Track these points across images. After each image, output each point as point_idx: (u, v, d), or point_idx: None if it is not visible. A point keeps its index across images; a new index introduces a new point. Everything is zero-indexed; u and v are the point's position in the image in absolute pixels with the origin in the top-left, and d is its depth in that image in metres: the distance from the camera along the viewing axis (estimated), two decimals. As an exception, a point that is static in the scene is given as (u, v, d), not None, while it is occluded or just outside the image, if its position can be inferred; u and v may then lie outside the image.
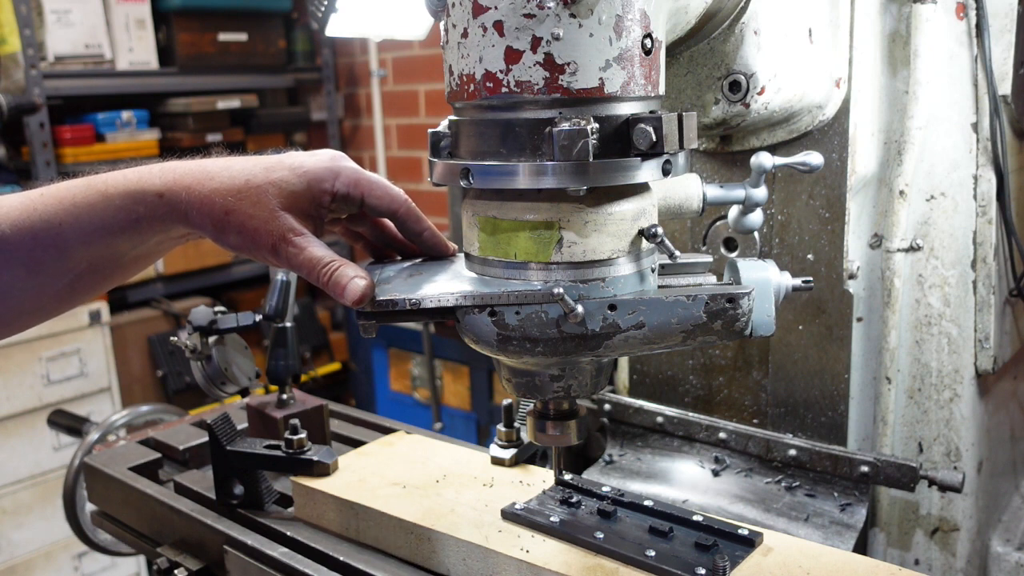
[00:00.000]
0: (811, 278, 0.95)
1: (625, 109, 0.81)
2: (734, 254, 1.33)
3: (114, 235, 0.94)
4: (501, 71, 0.79)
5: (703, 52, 1.10)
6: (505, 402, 1.32)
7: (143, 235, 0.96)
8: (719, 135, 1.26)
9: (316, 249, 0.92)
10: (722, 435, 1.35)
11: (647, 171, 0.81)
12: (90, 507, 1.57)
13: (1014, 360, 1.41)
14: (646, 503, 1.11)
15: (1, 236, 0.91)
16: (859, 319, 1.31)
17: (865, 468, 1.23)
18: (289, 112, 4.53)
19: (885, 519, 1.35)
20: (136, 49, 3.72)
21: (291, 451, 1.24)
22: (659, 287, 0.90)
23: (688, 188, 1.00)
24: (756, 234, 1.30)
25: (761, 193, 1.00)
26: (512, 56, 0.78)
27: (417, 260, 1.04)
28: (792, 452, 1.29)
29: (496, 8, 0.78)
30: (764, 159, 0.97)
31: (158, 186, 0.93)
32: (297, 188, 0.93)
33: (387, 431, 1.49)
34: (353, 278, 0.88)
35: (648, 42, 0.81)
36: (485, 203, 0.86)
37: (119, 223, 0.93)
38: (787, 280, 0.93)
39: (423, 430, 1.45)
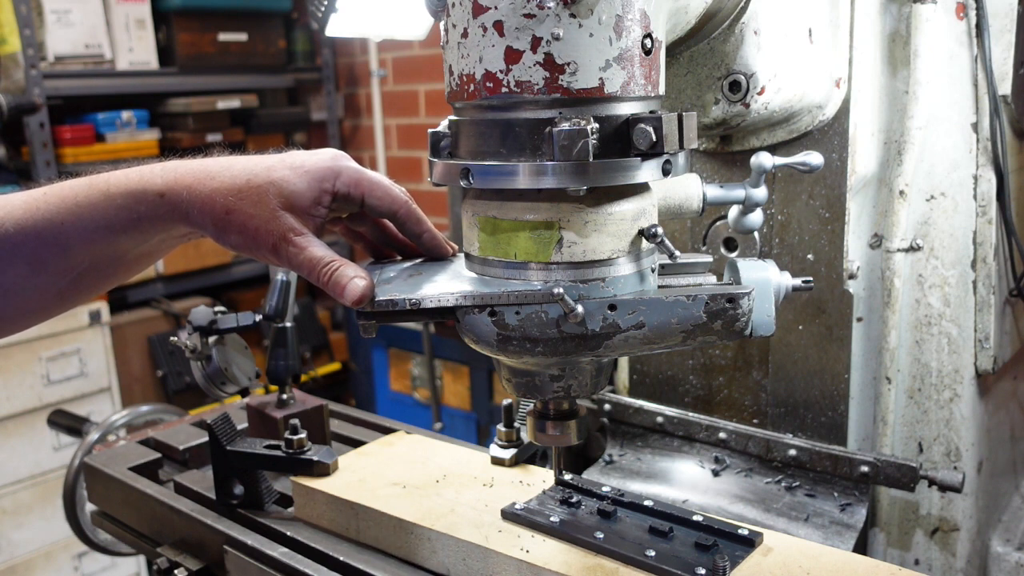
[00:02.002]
0: (811, 278, 0.95)
1: (625, 109, 0.81)
2: (734, 254, 1.33)
3: (116, 234, 0.94)
4: (501, 71, 0.79)
5: (703, 52, 1.10)
6: (505, 402, 1.32)
7: (145, 234, 0.96)
8: (719, 135, 1.26)
9: (316, 249, 0.92)
10: (722, 435, 1.35)
11: (647, 171, 0.81)
12: (90, 507, 1.57)
13: (1014, 360, 1.41)
14: (646, 503, 1.11)
15: (4, 235, 0.92)
16: (859, 319, 1.31)
17: (865, 468, 1.23)
18: (289, 112, 4.53)
19: (885, 519, 1.35)
20: (136, 49, 3.72)
21: (291, 451, 1.24)
22: (659, 287, 0.90)
23: (688, 188, 1.00)
24: (756, 234, 1.30)
25: (761, 193, 1.00)
26: (512, 56, 0.78)
27: (417, 260, 1.04)
28: (792, 452, 1.29)
29: (496, 8, 0.78)
30: (764, 159, 0.97)
31: (159, 186, 0.93)
32: (298, 188, 0.93)
33: (387, 431, 1.49)
34: (353, 278, 0.89)
35: (648, 42, 0.81)
36: (485, 203, 0.86)
37: (121, 222, 0.94)
38: (787, 280, 0.93)
39: (423, 430, 1.45)
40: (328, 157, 0.97)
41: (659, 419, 1.41)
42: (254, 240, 0.93)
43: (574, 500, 1.14)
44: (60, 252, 0.94)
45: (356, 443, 1.46)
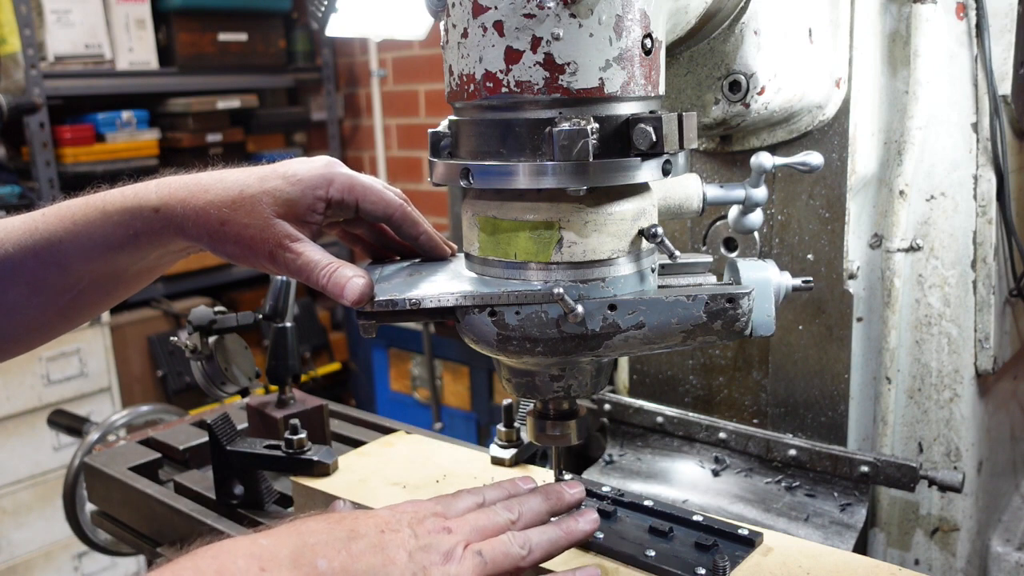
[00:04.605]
0: (811, 278, 0.95)
1: (625, 109, 0.81)
2: (734, 254, 1.33)
3: (114, 251, 0.96)
4: (501, 71, 0.79)
5: (703, 52, 1.10)
6: (505, 402, 1.32)
7: (142, 250, 0.97)
8: (719, 135, 1.26)
9: (313, 253, 0.93)
10: (722, 435, 1.35)
11: (647, 171, 0.81)
12: (90, 507, 1.57)
13: (1014, 360, 1.41)
14: (646, 503, 1.11)
15: (4, 256, 0.94)
16: (859, 319, 1.31)
17: (865, 468, 1.23)
18: (289, 112, 4.53)
19: (885, 519, 1.35)
20: (136, 49, 3.72)
21: (291, 451, 1.24)
22: (659, 287, 0.90)
23: (688, 188, 1.00)
24: (756, 234, 1.30)
25: (761, 193, 1.00)
26: (512, 56, 0.79)
27: (416, 260, 1.04)
28: (792, 452, 1.29)
29: (496, 8, 0.78)
30: (764, 159, 0.97)
31: (154, 201, 0.94)
32: (292, 196, 0.94)
33: (387, 431, 1.49)
34: (352, 278, 0.89)
35: (648, 42, 0.81)
36: (485, 203, 0.86)
37: (118, 239, 0.95)
38: (787, 280, 0.93)
39: (423, 430, 1.45)
40: (321, 164, 0.97)
41: (659, 419, 1.41)
42: (250, 249, 0.93)
43: (574, 500, 1.14)
44: (60, 271, 0.95)
45: (356, 443, 1.46)
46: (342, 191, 0.96)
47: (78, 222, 0.94)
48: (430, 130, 0.90)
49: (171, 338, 1.45)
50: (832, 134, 1.22)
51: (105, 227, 0.94)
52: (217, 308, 1.38)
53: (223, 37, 4.00)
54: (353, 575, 0.74)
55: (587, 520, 0.90)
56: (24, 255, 0.94)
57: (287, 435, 1.25)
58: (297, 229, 0.94)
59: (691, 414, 1.39)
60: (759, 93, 1.09)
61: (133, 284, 1.04)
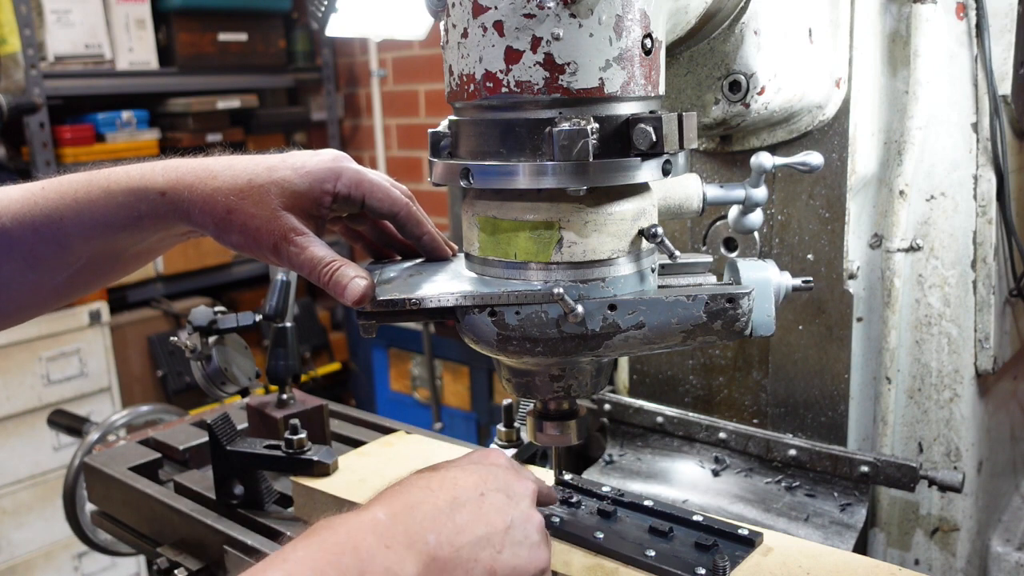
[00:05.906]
0: (811, 278, 0.95)
1: (625, 109, 0.81)
2: (734, 254, 1.33)
3: (115, 231, 0.95)
4: (501, 71, 0.79)
5: (703, 52, 1.10)
6: (505, 402, 1.32)
7: (144, 232, 0.96)
8: (719, 135, 1.26)
9: (317, 249, 0.92)
10: (722, 435, 1.35)
11: (647, 171, 0.81)
12: (90, 507, 1.57)
13: (1014, 360, 1.41)
14: (646, 503, 1.11)
15: (2, 228, 0.92)
16: (859, 319, 1.31)
17: (865, 468, 1.23)
18: (289, 112, 4.53)
19: (885, 519, 1.35)
20: (136, 49, 3.72)
21: (291, 451, 1.24)
22: (659, 287, 0.90)
23: (688, 188, 1.00)
24: (756, 234, 1.30)
25: (761, 193, 1.00)
26: (512, 56, 0.79)
27: (418, 260, 1.04)
28: (792, 452, 1.29)
29: (496, 8, 0.78)
30: (764, 159, 0.97)
31: (161, 184, 0.93)
32: (299, 188, 0.93)
33: (387, 431, 1.49)
34: (354, 278, 0.89)
35: (648, 42, 0.81)
36: (485, 203, 0.86)
37: (121, 220, 0.94)
38: (787, 280, 0.93)
39: (423, 430, 1.46)
40: (329, 158, 0.97)
41: (659, 419, 1.41)
42: (255, 240, 0.93)
43: (574, 500, 1.14)
44: (58, 248, 0.94)
45: (356, 443, 1.46)
46: (349, 186, 0.96)
47: (80, 200, 0.93)
48: (430, 130, 0.90)
49: (171, 338, 1.45)
50: (832, 134, 1.22)
51: (108, 207, 0.93)
52: (217, 308, 1.38)
53: (223, 37, 3.99)
54: (459, 548, 0.80)
55: None
56: (23, 230, 0.93)
57: (287, 435, 1.25)
58: (302, 222, 0.93)
59: (691, 414, 1.39)
60: (759, 93, 1.09)
61: (130, 265, 1.03)
